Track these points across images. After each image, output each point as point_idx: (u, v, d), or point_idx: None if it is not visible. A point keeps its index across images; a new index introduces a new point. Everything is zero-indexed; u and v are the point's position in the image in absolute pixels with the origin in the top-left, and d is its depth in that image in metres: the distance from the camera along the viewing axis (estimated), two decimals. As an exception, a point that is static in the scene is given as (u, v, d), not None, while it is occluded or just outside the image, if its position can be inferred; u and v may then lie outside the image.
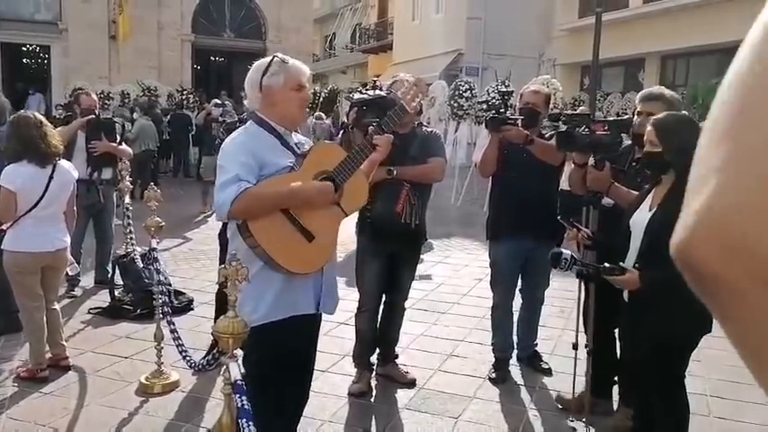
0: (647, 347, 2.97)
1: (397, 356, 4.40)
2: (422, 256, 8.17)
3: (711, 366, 4.64)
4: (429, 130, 4.22)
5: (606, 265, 2.95)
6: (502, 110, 4.03)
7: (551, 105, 13.64)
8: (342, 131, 3.57)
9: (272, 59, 2.64)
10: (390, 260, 4.05)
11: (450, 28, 25.73)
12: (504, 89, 11.66)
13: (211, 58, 25.87)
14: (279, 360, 2.61)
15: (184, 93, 19.22)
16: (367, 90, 3.64)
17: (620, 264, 2.94)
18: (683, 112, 12.54)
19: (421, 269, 7.68)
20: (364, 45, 36.64)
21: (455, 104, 13.69)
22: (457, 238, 9.28)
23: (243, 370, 2.03)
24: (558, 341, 4.90)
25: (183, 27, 23.20)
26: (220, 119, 9.99)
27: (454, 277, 7.28)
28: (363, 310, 4.14)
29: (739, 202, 0.47)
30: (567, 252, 3.03)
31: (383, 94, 3.43)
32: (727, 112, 0.50)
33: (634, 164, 3.55)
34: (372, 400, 4.08)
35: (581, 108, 12.38)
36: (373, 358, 4.32)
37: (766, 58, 0.49)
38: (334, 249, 2.70)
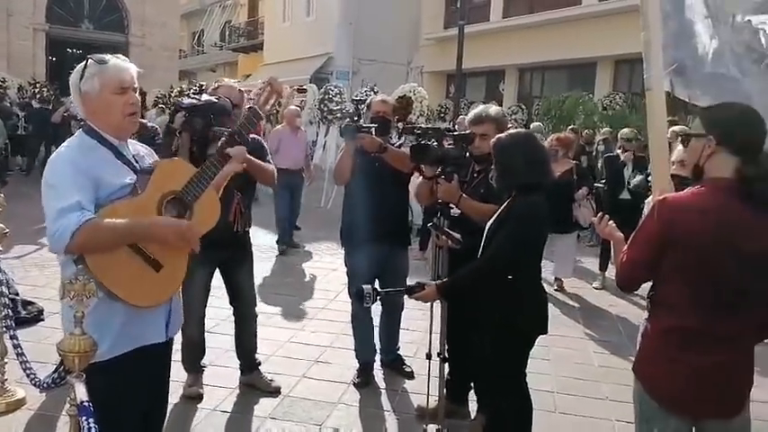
0: (488, 348, 3.17)
1: (259, 364, 4.37)
2: (293, 260, 8.22)
3: (559, 364, 5.00)
4: (252, 137, 4.20)
5: (408, 285, 3.16)
6: (356, 118, 4.09)
7: (419, 113, 14.03)
8: (165, 135, 3.40)
9: (86, 61, 2.33)
10: (222, 270, 4.07)
11: (321, 31, 25.84)
12: (358, 99, 11.93)
13: (68, 50, 24.27)
14: (129, 394, 2.37)
15: (37, 85, 17.89)
16: (195, 95, 3.55)
17: (419, 281, 3.15)
18: (538, 123, 13.24)
19: (290, 274, 7.70)
20: (234, 44, 35.92)
21: (324, 108, 13.79)
22: (326, 242, 9.32)
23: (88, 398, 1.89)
24: (421, 344, 5.05)
25: (35, 16, 21.74)
26: (79, 116, 9.46)
27: (323, 281, 7.33)
28: (191, 316, 4.03)
29: None
30: (367, 287, 3.14)
31: (213, 99, 3.35)
32: None
33: (475, 176, 3.79)
34: (232, 409, 4.02)
35: (459, 118, 12.85)
36: (236, 369, 4.29)
37: None
38: (184, 275, 2.47)
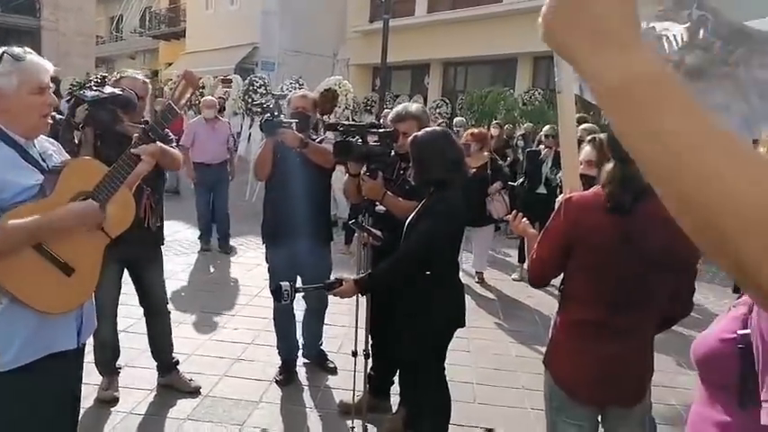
0: (408, 343, 3.23)
1: (177, 363, 4.28)
2: (216, 256, 8.06)
3: (478, 356, 5.12)
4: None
5: (327, 281, 3.19)
6: (276, 113, 4.02)
7: (344, 106, 13.96)
8: (66, 129, 3.24)
9: (1, 55, 2.18)
10: (131, 267, 3.96)
11: (246, 21, 25.37)
12: (279, 94, 11.83)
13: (-27, 33, 23.01)
14: (37, 403, 2.25)
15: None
16: (98, 86, 3.39)
17: (337, 277, 3.18)
18: (461, 118, 13.37)
19: (211, 270, 7.56)
20: (155, 30, 34.85)
21: (249, 100, 13.59)
22: (250, 236, 9.17)
23: None
24: (344, 339, 5.08)
25: (-65, -4, 20.42)
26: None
27: (246, 277, 7.22)
28: (103, 317, 3.94)
29: None
30: (285, 284, 3.13)
31: (118, 91, 3.24)
32: None
33: (401, 173, 3.83)
34: (149, 411, 3.93)
35: (385, 111, 12.87)
36: (153, 369, 4.20)
37: None
38: (97, 279, 2.38)
